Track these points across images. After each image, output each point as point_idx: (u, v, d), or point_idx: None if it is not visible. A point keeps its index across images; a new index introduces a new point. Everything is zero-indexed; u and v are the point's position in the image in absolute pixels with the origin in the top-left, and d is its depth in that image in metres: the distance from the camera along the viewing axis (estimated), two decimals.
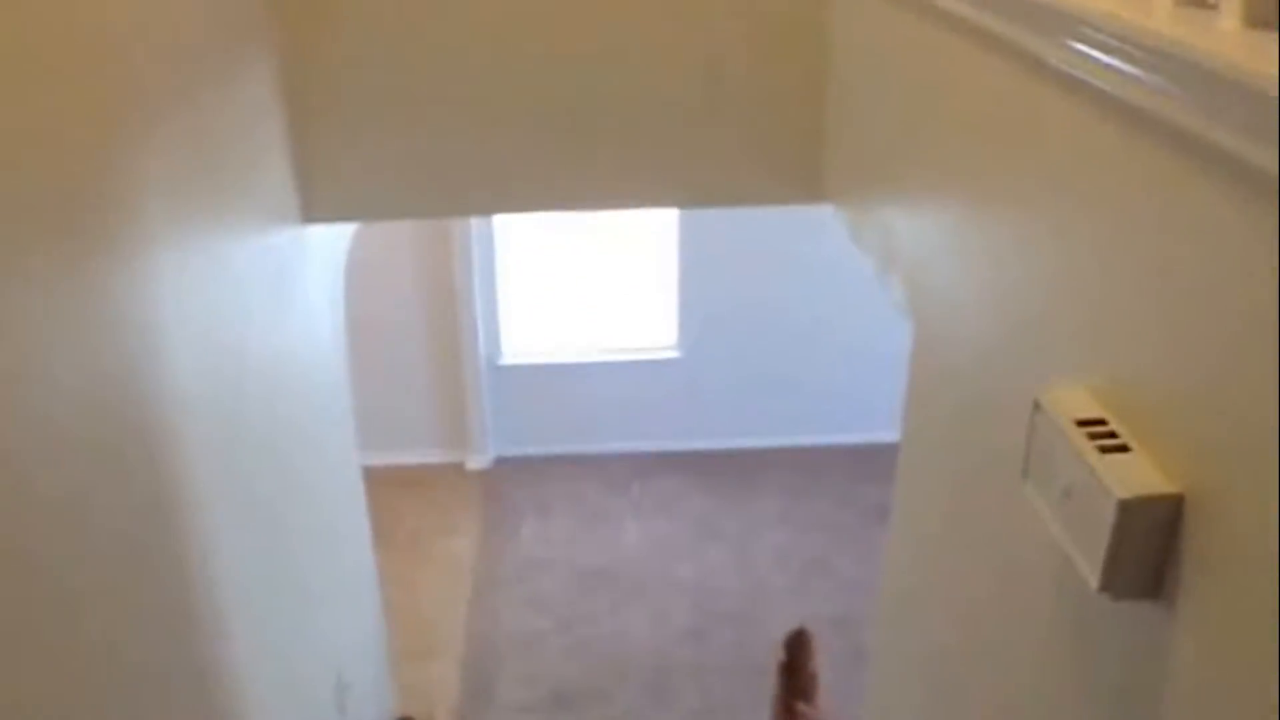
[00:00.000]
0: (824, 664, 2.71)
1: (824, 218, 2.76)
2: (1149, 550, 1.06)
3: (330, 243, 3.18)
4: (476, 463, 5.96)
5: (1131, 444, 1.11)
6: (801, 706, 2.71)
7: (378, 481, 5.88)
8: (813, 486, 5.75)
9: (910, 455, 2.05)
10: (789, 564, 5.11)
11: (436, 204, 3.19)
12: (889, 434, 6.06)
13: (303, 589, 2.54)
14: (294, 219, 2.70)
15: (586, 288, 5.77)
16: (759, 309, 5.81)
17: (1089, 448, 1.11)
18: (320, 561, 2.78)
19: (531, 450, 6.03)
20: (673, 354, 5.90)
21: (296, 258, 2.77)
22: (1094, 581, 1.08)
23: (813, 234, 5.64)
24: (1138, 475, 1.06)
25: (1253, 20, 0.98)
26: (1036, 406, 1.23)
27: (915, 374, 1.99)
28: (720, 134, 2.76)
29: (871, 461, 5.97)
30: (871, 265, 2.28)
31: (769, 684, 4.33)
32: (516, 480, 5.84)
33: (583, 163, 2.81)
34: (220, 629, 1.98)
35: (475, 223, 5.37)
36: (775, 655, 2.76)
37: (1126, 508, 1.03)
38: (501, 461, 6.01)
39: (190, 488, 1.87)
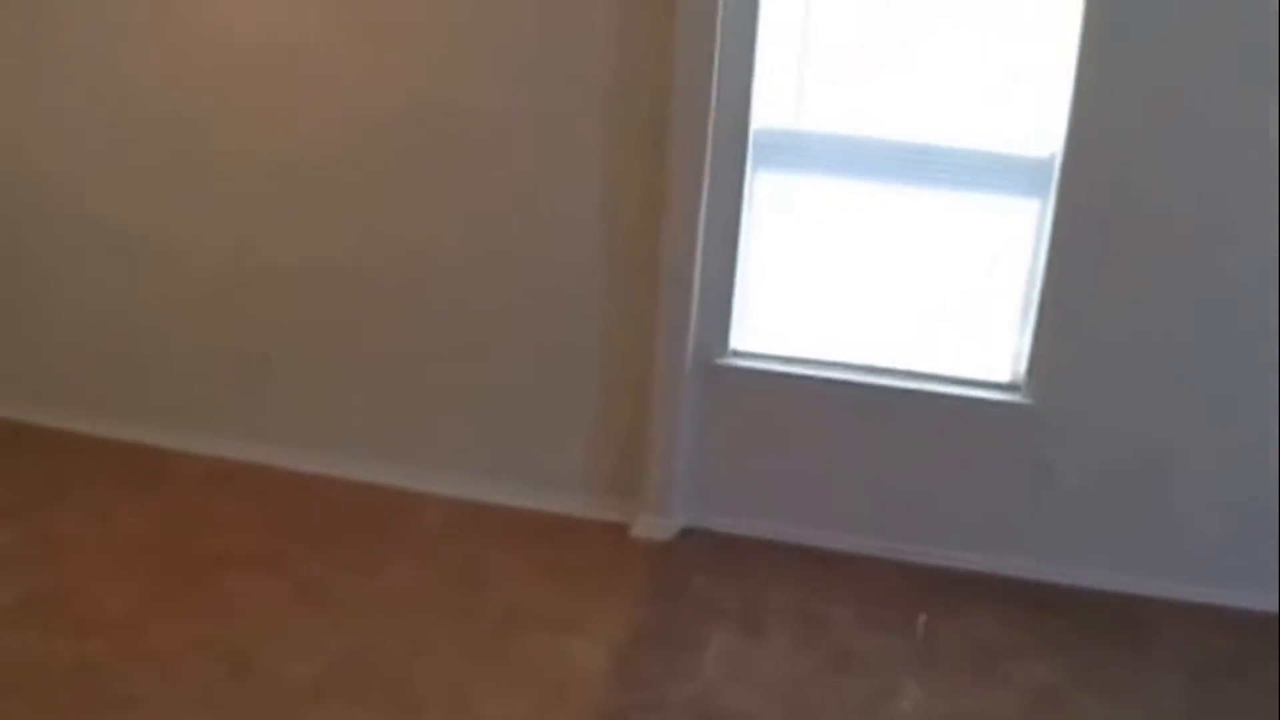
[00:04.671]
0: None
1: None
2: None
3: None
4: (650, 528, 3.55)
5: None
6: None
7: (477, 528, 3.43)
8: (1241, 659, 3.00)
9: None
10: None
11: None
12: None
13: None
14: None
15: (880, 269, 3.37)
16: (1170, 338, 3.20)
17: None
18: None
19: (745, 526, 3.57)
20: (1015, 397, 3.35)
21: None
22: None
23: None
24: None
25: None
26: None
27: None
28: None
29: None
30: None
31: None
32: (712, 567, 3.38)
33: None
34: None
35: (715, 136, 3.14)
36: None
37: None
38: (690, 534, 3.57)
39: None
